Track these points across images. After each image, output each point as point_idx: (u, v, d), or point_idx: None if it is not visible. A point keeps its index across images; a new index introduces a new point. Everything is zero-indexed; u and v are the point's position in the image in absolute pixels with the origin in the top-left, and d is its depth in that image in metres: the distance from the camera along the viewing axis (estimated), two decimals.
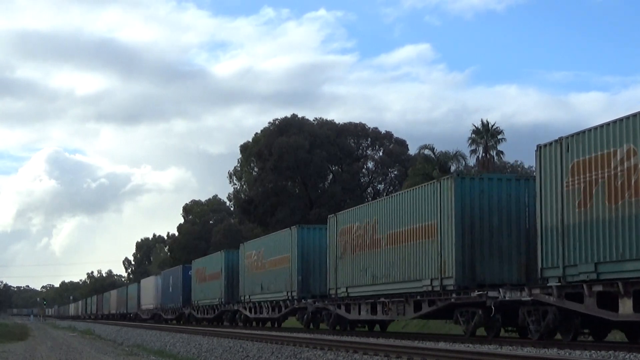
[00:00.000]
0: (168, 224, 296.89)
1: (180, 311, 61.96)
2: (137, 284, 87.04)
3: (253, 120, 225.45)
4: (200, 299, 55.66)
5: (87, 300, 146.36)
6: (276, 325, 46.06)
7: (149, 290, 76.63)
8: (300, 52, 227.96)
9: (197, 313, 56.80)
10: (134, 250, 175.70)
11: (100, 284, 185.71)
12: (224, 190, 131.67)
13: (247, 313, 45.85)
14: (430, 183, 27.06)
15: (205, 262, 56.16)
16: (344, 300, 32.62)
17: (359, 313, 31.29)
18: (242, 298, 46.18)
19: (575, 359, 15.45)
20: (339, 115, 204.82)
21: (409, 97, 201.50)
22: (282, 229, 50.28)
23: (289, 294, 37.96)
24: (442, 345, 21.50)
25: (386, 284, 29.05)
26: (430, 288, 26.10)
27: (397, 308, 28.31)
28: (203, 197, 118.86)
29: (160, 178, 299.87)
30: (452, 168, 57.91)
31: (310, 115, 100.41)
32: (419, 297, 26.94)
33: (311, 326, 37.43)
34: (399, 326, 39.23)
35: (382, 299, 29.23)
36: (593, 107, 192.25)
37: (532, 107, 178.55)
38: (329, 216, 35.83)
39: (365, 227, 30.99)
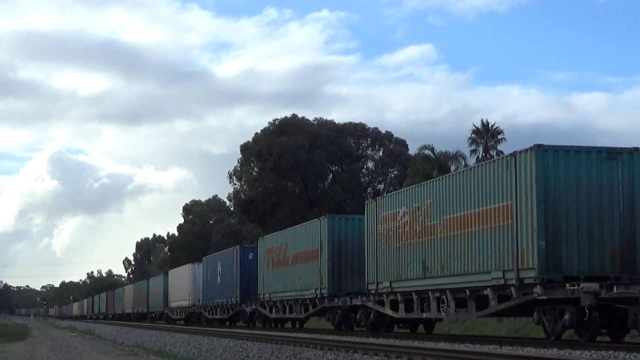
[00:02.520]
0: (168, 224, 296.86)
1: (238, 308, 47.47)
2: (164, 276, 72.83)
3: (255, 121, 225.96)
4: (278, 290, 40.46)
5: (93, 298, 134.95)
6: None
7: (182, 283, 62.99)
8: (303, 53, 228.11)
9: (272, 311, 41.84)
10: (134, 250, 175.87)
11: (100, 284, 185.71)
12: (225, 190, 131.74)
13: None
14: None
15: (287, 236, 40.29)
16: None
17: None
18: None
19: (576, 359, 15.44)
20: (341, 115, 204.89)
21: (411, 97, 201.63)
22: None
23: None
24: (442, 345, 21.49)
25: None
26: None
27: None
28: (205, 198, 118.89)
29: (162, 178, 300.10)
30: (452, 168, 57.89)
31: (313, 115, 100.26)
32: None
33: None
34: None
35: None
36: (595, 107, 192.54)
37: (534, 107, 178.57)
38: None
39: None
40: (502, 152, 60.63)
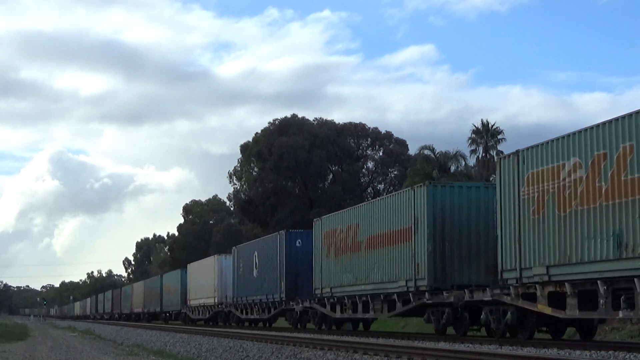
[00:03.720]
0: (168, 224, 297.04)
1: (283, 306, 40.08)
2: (181, 271, 65.34)
3: (256, 121, 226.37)
4: (344, 283, 32.84)
5: (97, 297, 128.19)
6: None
7: (205, 277, 55.49)
8: (304, 53, 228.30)
9: (335, 310, 34.05)
10: (134, 251, 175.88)
11: (100, 284, 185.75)
12: (226, 190, 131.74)
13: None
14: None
15: (357, 215, 31.98)
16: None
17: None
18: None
19: (575, 359, 15.45)
20: (341, 115, 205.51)
21: (412, 97, 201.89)
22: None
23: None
24: (442, 345, 21.49)
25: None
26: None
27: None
28: (205, 198, 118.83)
29: (163, 178, 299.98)
30: (452, 168, 57.93)
31: (313, 116, 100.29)
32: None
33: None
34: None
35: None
36: (596, 107, 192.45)
37: (535, 107, 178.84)
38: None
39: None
40: (501, 152, 60.68)
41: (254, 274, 44.43)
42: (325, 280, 34.92)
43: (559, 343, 20.61)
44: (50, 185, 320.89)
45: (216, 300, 52.41)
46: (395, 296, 28.57)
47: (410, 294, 27.45)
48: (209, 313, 55.47)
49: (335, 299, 33.98)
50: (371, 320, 36.75)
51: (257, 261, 44.35)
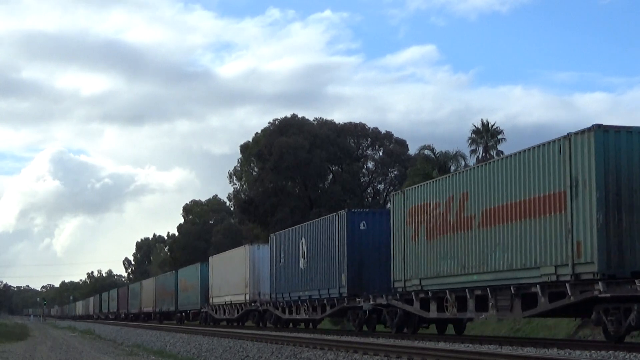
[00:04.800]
0: (169, 224, 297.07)
1: (345, 304, 32.86)
2: (201, 265, 58.83)
3: (257, 121, 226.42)
4: (443, 273, 25.82)
5: (101, 296, 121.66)
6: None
7: (233, 271, 48.57)
8: (306, 53, 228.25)
9: (427, 308, 26.78)
10: (134, 251, 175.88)
11: (100, 284, 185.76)
12: (227, 190, 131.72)
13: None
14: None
15: (463, 182, 24.98)
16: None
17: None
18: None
19: (575, 359, 15.44)
20: (342, 116, 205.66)
21: (413, 97, 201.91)
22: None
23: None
24: (442, 345, 21.48)
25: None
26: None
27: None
28: (206, 198, 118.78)
29: (164, 178, 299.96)
30: (452, 168, 57.90)
31: (315, 115, 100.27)
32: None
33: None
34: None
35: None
36: (597, 107, 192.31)
37: (536, 107, 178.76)
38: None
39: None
40: (502, 152, 60.78)
41: (301, 265, 37.34)
42: (410, 270, 27.66)
43: (559, 343, 20.61)
44: (51, 185, 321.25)
45: (247, 298, 45.66)
46: (537, 288, 21.08)
47: (567, 285, 19.95)
48: (237, 312, 48.16)
49: (428, 293, 26.42)
50: (466, 321, 29.47)
51: (304, 249, 37.04)
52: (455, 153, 59.98)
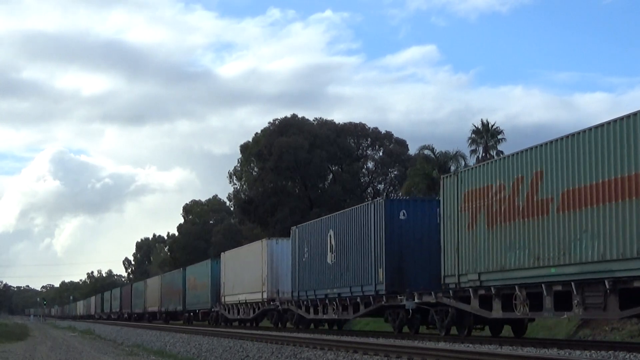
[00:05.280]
0: (169, 224, 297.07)
1: (382, 302, 29.70)
2: (212, 261, 55.52)
3: (257, 121, 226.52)
4: (509, 266, 22.82)
5: (102, 295, 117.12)
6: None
7: (249, 268, 45.10)
8: (306, 54, 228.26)
9: (492, 306, 23.56)
10: (134, 251, 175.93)
11: (100, 284, 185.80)
12: (226, 190, 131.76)
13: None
14: None
15: (536, 159, 21.78)
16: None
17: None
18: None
19: (575, 359, 15.43)
20: (343, 116, 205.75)
21: (413, 97, 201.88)
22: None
23: None
24: (442, 345, 21.47)
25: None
26: None
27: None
28: (205, 198, 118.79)
29: (165, 178, 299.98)
30: (452, 168, 57.90)
31: (315, 115, 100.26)
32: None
33: None
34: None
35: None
36: (598, 107, 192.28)
37: (537, 107, 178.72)
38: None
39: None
40: (502, 152, 60.80)
41: (329, 260, 33.99)
42: (466, 264, 24.68)
43: (559, 342, 20.59)
44: (51, 185, 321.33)
45: (265, 296, 42.47)
46: None
47: None
48: (253, 312, 45.00)
49: (491, 289, 23.29)
50: (527, 322, 26.24)
51: (332, 243, 33.70)
52: (455, 153, 60.00)
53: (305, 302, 37.37)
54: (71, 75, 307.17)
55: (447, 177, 26.49)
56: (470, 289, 24.22)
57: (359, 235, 31.25)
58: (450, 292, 25.24)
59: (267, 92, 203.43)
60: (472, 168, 25.47)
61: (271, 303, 42.13)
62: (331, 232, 34.00)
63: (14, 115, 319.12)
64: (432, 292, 26.32)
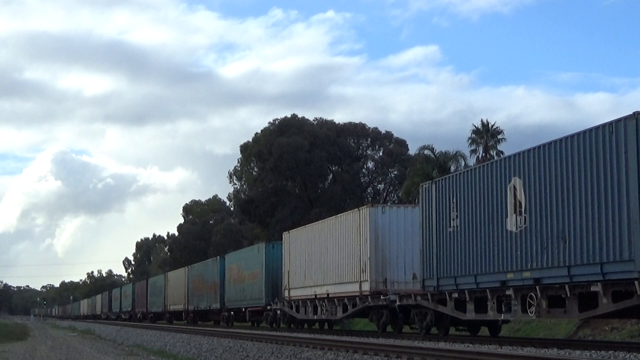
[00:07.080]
0: (169, 224, 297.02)
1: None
2: (266, 245, 44.19)
3: (259, 122, 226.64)
4: None
5: (110, 293, 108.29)
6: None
7: (330, 249, 34.31)
8: (308, 54, 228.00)
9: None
10: (134, 251, 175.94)
11: (100, 284, 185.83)
12: (226, 190, 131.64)
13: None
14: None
15: None
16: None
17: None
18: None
19: (575, 359, 15.43)
20: (344, 116, 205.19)
21: (415, 98, 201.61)
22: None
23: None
24: (442, 345, 21.47)
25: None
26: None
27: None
28: (207, 198, 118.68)
29: (166, 179, 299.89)
30: (452, 168, 57.88)
31: (317, 116, 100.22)
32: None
33: None
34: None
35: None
36: (600, 108, 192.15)
37: (538, 107, 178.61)
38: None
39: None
40: (502, 152, 60.82)
41: (509, 227, 22.04)
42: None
43: (559, 342, 20.59)
44: (52, 185, 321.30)
45: (366, 288, 30.78)
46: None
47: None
48: (344, 310, 33.19)
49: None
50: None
51: (520, 198, 21.63)
52: (455, 153, 59.98)
53: (456, 296, 24.77)
54: (73, 76, 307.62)
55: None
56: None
57: (597, 181, 18.89)
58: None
59: (269, 93, 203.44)
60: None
61: (382, 297, 29.80)
62: (516, 181, 22.01)
63: (16, 116, 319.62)
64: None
